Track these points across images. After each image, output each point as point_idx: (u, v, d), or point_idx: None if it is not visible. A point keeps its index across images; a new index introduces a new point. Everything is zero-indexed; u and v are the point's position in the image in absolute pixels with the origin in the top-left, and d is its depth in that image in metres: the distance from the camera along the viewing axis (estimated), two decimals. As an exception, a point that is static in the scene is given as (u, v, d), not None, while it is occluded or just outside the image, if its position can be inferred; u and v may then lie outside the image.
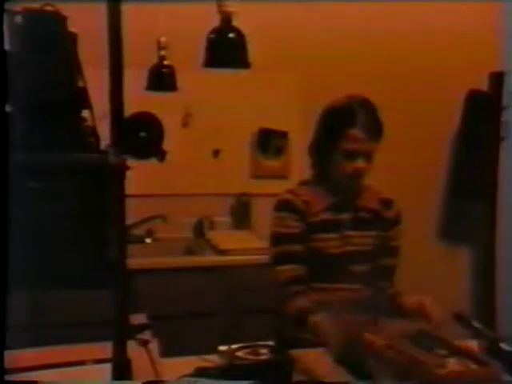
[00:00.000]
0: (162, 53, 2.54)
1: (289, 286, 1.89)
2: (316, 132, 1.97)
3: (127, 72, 1.18)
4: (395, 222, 2.03)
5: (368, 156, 1.88)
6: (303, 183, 2.03)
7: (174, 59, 2.59)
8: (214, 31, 1.62)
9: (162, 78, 2.60)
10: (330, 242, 1.93)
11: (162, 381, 1.39)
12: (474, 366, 1.55)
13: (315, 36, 3.35)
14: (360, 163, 1.87)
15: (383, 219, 2.00)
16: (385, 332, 1.76)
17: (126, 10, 1.14)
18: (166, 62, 2.57)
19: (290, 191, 1.98)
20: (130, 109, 1.23)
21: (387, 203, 2.03)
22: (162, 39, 2.50)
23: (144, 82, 2.66)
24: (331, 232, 1.93)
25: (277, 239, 1.95)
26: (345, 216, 1.96)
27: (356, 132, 1.84)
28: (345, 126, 1.85)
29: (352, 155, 1.86)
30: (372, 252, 1.98)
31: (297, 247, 1.91)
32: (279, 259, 1.93)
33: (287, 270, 1.91)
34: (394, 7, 3.36)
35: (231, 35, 1.60)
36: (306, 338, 1.91)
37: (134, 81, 2.56)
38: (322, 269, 1.93)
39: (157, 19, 2.92)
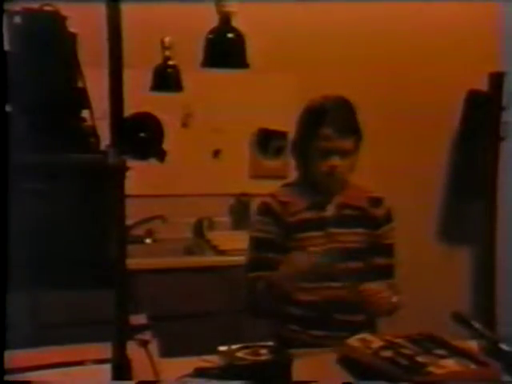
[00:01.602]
0: (167, 53, 2.53)
1: (255, 290, 1.93)
2: (295, 132, 2.01)
3: (129, 72, 1.18)
4: (385, 220, 2.03)
5: (343, 154, 1.90)
6: (287, 184, 2.07)
7: (173, 59, 2.59)
8: (212, 31, 1.62)
9: (166, 79, 2.59)
10: (314, 240, 1.93)
11: (157, 381, 1.38)
12: (473, 367, 1.56)
13: (315, 36, 3.35)
14: (335, 161, 1.89)
15: (371, 217, 2.00)
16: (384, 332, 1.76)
17: (128, 9, 1.14)
18: (170, 62, 2.57)
19: (269, 194, 2.02)
20: (129, 109, 1.23)
21: (376, 201, 2.03)
22: (167, 39, 2.49)
23: (146, 83, 2.65)
24: (314, 230, 1.94)
25: (251, 243, 2.00)
26: (328, 214, 1.97)
27: (327, 131, 1.88)
28: (317, 124, 1.89)
29: (326, 153, 1.89)
30: (361, 250, 1.98)
31: (269, 254, 1.94)
32: (251, 265, 1.98)
33: (256, 276, 1.94)
34: (393, 7, 3.36)
35: (230, 35, 1.60)
36: (306, 338, 1.91)
37: (137, 81, 2.56)
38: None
39: (157, 19, 2.93)
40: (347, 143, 1.89)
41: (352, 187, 2.01)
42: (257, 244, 1.98)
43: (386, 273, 2.02)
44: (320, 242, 1.93)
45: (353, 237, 1.97)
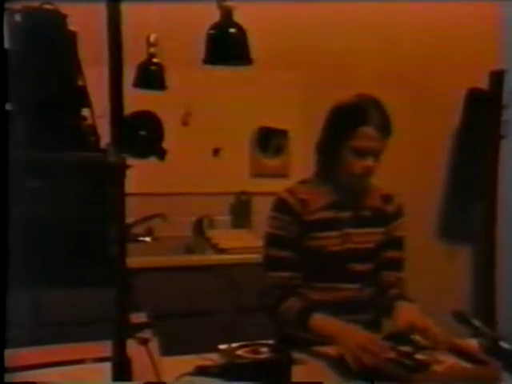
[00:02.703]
0: (152, 50, 2.50)
1: (275, 290, 1.89)
2: (325, 130, 1.96)
3: (129, 71, 1.17)
4: (396, 215, 2.03)
5: (377, 154, 1.88)
6: (304, 181, 2.02)
7: (173, 57, 2.58)
8: (213, 27, 1.59)
9: (149, 76, 2.56)
10: (330, 240, 1.92)
11: (163, 382, 1.38)
12: (472, 365, 1.56)
13: (316, 35, 3.35)
14: (370, 162, 1.87)
15: (383, 214, 2.00)
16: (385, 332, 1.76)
17: (128, 8, 1.14)
18: (154, 60, 2.53)
19: (288, 190, 1.97)
20: (129, 107, 1.23)
21: (387, 198, 2.03)
22: (152, 36, 2.47)
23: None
24: (330, 230, 1.93)
25: (268, 241, 1.96)
26: (345, 214, 1.95)
27: (368, 130, 1.84)
28: (357, 123, 1.85)
29: (362, 153, 1.86)
30: (374, 250, 1.98)
31: (286, 252, 1.91)
32: (268, 263, 1.94)
33: (275, 276, 1.91)
34: (394, 6, 3.36)
35: (232, 30, 1.57)
36: (306, 336, 1.91)
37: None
38: (322, 267, 1.93)
39: (154, 16, 2.92)
40: (383, 143, 1.87)
41: (369, 187, 2.00)
42: (273, 241, 1.94)
43: (396, 266, 2.02)
44: (336, 242, 1.93)
45: (367, 237, 1.96)
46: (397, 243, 2.03)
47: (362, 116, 1.85)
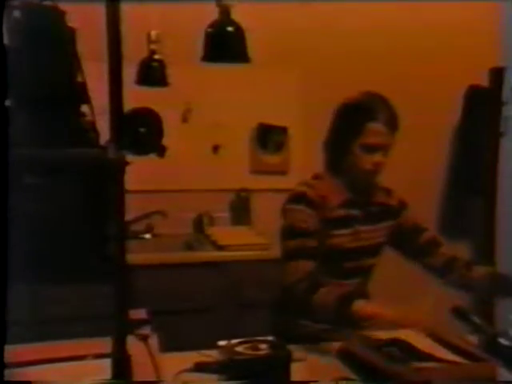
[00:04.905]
0: (153, 47, 2.51)
1: (306, 280, 1.81)
2: (333, 128, 1.97)
3: (129, 68, 1.17)
4: (401, 207, 2.06)
5: (386, 150, 1.90)
6: (316, 177, 2.00)
7: (173, 54, 2.58)
8: (212, 25, 1.61)
9: (151, 73, 2.56)
10: (345, 238, 1.93)
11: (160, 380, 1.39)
12: (470, 362, 1.56)
13: (315, 33, 3.35)
14: (378, 157, 1.88)
15: (390, 209, 2.03)
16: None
17: (122, 3, 1.14)
18: (156, 56, 2.54)
19: (306, 184, 1.95)
20: (129, 104, 1.23)
21: (388, 192, 2.06)
22: (153, 33, 2.47)
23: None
24: (344, 228, 1.94)
25: (292, 233, 1.89)
26: (356, 212, 1.96)
27: (378, 126, 1.86)
28: (366, 120, 1.86)
29: (372, 149, 1.87)
30: (382, 244, 2.01)
31: (312, 242, 1.86)
32: (295, 253, 1.85)
33: (304, 264, 1.83)
34: (394, 4, 3.36)
35: (230, 29, 1.59)
36: (305, 333, 1.91)
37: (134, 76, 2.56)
38: (336, 264, 1.94)
39: (154, 13, 2.92)
40: (392, 139, 1.90)
41: (374, 183, 2.02)
42: (297, 233, 1.87)
43: (438, 242, 2.07)
44: (350, 239, 1.94)
45: (376, 232, 1.99)
46: (420, 228, 2.06)
47: (370, 112, 1.87)
